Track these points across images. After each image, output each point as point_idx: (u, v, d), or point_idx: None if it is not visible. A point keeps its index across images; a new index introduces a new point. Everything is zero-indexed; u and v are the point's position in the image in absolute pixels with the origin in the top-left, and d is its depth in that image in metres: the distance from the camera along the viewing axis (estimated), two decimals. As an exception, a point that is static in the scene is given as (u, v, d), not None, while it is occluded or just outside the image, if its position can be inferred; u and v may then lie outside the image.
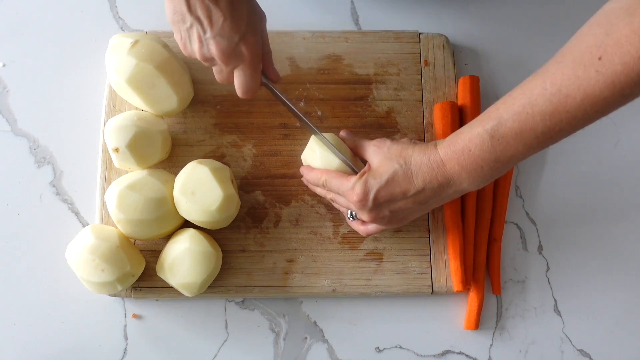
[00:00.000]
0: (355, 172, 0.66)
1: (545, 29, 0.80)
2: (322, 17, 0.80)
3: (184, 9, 0.56)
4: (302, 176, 0.71)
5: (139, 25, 0.79)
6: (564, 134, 0.52)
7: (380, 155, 0.62)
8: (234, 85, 0.62)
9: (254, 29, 0.60)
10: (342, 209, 0.69)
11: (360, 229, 0.67)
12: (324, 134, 0.67)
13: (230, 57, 0.59)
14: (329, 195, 0.68)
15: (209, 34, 0.57)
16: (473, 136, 0.56)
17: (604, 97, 0.48)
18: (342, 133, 0.68)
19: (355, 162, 0.67)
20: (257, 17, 0.61)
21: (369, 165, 0.64)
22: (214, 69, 0.62)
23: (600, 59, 0.48)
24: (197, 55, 0.60)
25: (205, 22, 0.57)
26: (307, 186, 0.71)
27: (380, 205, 0.61)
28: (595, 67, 0.48)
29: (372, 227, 0.66)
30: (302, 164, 0.71)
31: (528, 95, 0.52)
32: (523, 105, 0.52)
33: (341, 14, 0.80)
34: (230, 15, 0.57)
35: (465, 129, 0.57)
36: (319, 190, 0.69)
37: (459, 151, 0.57)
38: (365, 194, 0.60)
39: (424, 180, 0.59)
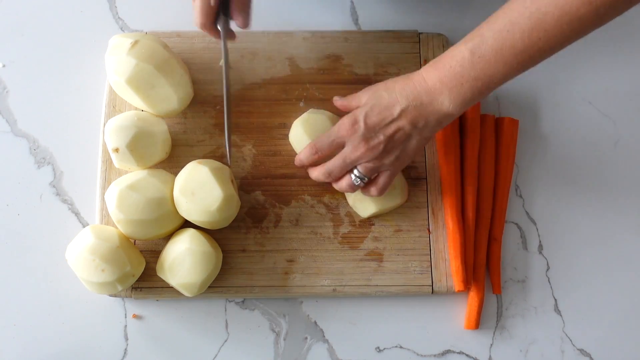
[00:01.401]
0: None
1: (545, 28, 0.80)
2: (322, 17, 0.80)
3: None
4: (301, 176, 0.71)
5: (138, 25, 0.79)
6: (542, 53, 0.55)
7: (368, 93, 0.65)
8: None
9: None
10: (342, 184, 0.67)
11: (372, 189, 0.66)
12: (315, 110, 0.71)
13: None
14: (324, 168, 0.66)
15: None
16: (455, 53, 0.58)
17: (580, 14, 0.51)
18: (335, 99, 0.69)
19: None
20: None
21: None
22: None
23: None
24: None
25: None
26: (307, 186, 0.71)
27: (372, 129, 0.62)
28: None
29: (381, 178, 0.65)
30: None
31: (509, 14, 0.54)
32: (504, 23, 0.54)
33: (341, 13, 0.80)
34: None
35: (449, 49, 0.59)
36: (317, 173, 0.67)
37: (440, 67, 0.59)
38: (355, 120, 0.62)
39: (407, 98, 0.60)
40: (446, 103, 0.59)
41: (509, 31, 0.54)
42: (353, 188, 0.66)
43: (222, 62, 0.66)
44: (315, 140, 0.66)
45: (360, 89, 0.75)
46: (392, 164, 0.64)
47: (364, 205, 0.70)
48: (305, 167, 0.70)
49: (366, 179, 0.65)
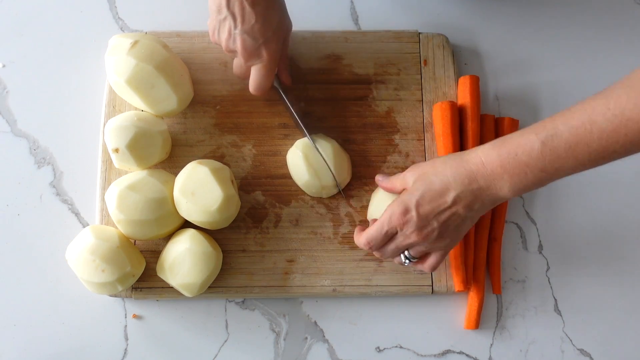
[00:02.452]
0: (336, 181, 0.70)
1: (545, 29, 0.80)
2: (322, 17, 0.80)
3: (223, 2, 0.62)
4: None
5: (138, 25, 0.79)
6: (616, 156, 0.53)
7: (415, 176, 0.61)
8: (247, 81, 0.68)
9: (277, 37, 0.65)
10: (395, 260, 0.66)
11: (424, 266, 0.64)
12: (313, 135, 0.71)
13: (251, 55, 0.65)
14: (378, 253, 0.65)
15: (238, 30, 0.63)
16: (523, 142, 0.55)
17: None
18: (378, 179, 0.67)
19: (342, 172, 0.70)
20: (284, 28, 0.67)
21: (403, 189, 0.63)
22: (235, 61, 0.68)
23: None
24: (223, 45, 0.65)
25: (239, 19, 0.63)
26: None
27: (426, 219, 0.59)
28: None
29: (432, 258, 0.63)
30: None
31: (589, 112, 0.52)
32: (582, 120, 0.52)
33: (341, 13, 0.80)
34: (262, 19, 0.63)
35: (514, 134, 0.57)
36: (369, 249, 0.65)
37: (504, 154, 0.56)
38: (407, 209, 0.59)
39: (462, 183, 0.58)
40: (505, 189, 0.57)
41: (587, 129, 0.52)
42: (402, 265, 0.65)
43: (295, 116, 0.71)
44: (369, 236, 0.63)
45: (360, 89, 0.76)
46: (446, 246, 0.62)
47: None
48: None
49: (416, 259, 0.64)
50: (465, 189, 0.58)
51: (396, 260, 0.65)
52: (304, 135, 0.71)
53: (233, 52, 0.66)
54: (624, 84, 0.51)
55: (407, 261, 0.64)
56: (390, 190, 0.66)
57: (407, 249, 0.63)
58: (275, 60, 0.66)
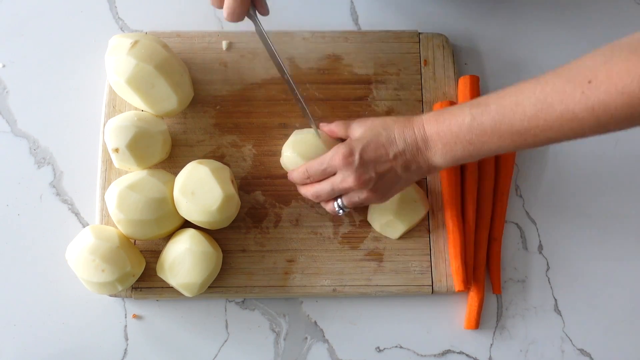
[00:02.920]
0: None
1: (545, 29, 0.80)
2: (322, 17, 0.80)
3: None
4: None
5: (138, 25, 0.79)
6: (536, 140, 0.55)
7: (364, 127, 0.65)
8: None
9: None
10: (328, 206, 0.67)
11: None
12: (299, 130, 0.71)
13: None
14: (313, 190, 0.66)
15: None
16: (457, 113, 0.59)
17: (581, 117, 0.51)
18: (322, 124, 0.70)
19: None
20: None
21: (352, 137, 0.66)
22: None
23: (589, 82, 0.50)
24: None
25: None
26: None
27: (366, 165, 0.62)
28: (582, 88, 0.50)
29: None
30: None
31: (518, 94, 0.55)
32: (510, 101, 0.55)
33: (341, 14, 0.80)
34: None
35: (455, 107, 0.60)
36: (305, 191, 0.68)
37: (440, 121, 0.60)
38: (351, 152, 0.62)
39: (405, 141, 0.61)
40: (437, 155, 0.60)
41: (512, 110, 0.54)
42: (335, 213, 0.67)
43: (271, 47, 0.68)
44: (308, 165, 0.66)
45: (360, 89, 0.75)
46: (375, 200, 0.65)
47: (392, 229, 0.70)
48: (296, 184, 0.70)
49: (347, 210, 0.66)
50: (407, 148, 0.61)
51: (329, 208, 0.67)
52: (282, 73, 0.70)
53: None
54: (556, 71, 0.53)
55: (341, 211, 0.66)
56: (331, 134, 0.69)
57: (341, 195, 0.65)
58: None
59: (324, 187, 0.65)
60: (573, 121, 0.51)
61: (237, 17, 0.64)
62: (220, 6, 0.64)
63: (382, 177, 0.62)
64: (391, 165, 0.62)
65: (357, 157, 0.62)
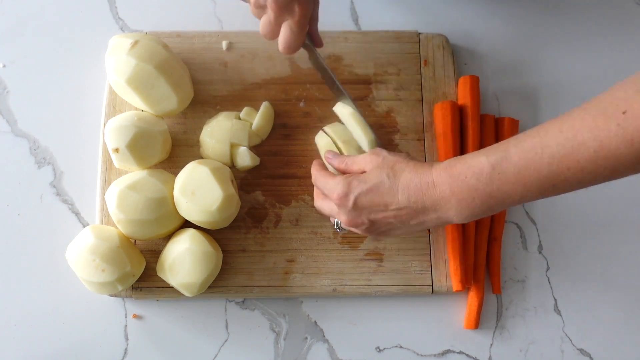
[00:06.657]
0: (377, 140, 0.70)
1: (545, 29, 0.80)
2: (322, 17, 0.79)
3: None
4: (301, 176, 0.71)
5: (138, 25, 0.79)
6: (566, 185, 0.50)
7: (373, 163, 0.60)
8: (276, 40, 0.63)
9: None
10: (330, 220, 0.67)
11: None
12: (330, 125, 0.72)
13: (283, 9, 0.60)
14: (317, 203, 0.66)
15: None
16: (474, 164, 0.53)
17: (619, 153, 0.46)
18: (328, 156, 0.67)
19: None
20: None
21: (361, 172, 0.62)
22: (262, 18, 0.62)
23: (624, 112, 0.46)
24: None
25: None
26: (307, 186, 0.72)
27: (359, 210, 0.59)
28: (617, 120, 0.46)
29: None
30: (301, 164, 0.71)
31: (542, 136, 0.50)
32: (534, 144, 0.50)
33: (341, 14, 0.80)
34: None
35: (468, 155, 0.55)
36: (314, 196, 0.67)
37: (454, 175, 0.54)
38: (346, 194, 0.59)
39: (409, 199, 0.57)
40: (451, 213, 0.55)
41: (537, 153, 0.49)
42: (334, 229, 0.66)
43: (331, 75, 0.70)
44: (317, 174, 0.64)
45: (360, 89, 0.75)
46: (366, 233, 0.62)
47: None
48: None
49: (346, 231, 0.65)
50: (410, 206, 0.57)
51: (330, 222, 0.67)
52: (339, 94, 0.71)
53: (262, 8, 0.61)
54: (581, 107, 0.49)
55: (338, 229, 0.65)
56: (340, 170, 0.65)
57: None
58: (307, 17, 0.62)
59: (324, 205, 0.64)
60: (609, 159, 0.47)
61: (292, 50, 0.63)
62: (273, 37, 0.63)
63: (374, 223, 0.60)
64: (385, 216, 0.58)
65: (351, 201, 0.59)
